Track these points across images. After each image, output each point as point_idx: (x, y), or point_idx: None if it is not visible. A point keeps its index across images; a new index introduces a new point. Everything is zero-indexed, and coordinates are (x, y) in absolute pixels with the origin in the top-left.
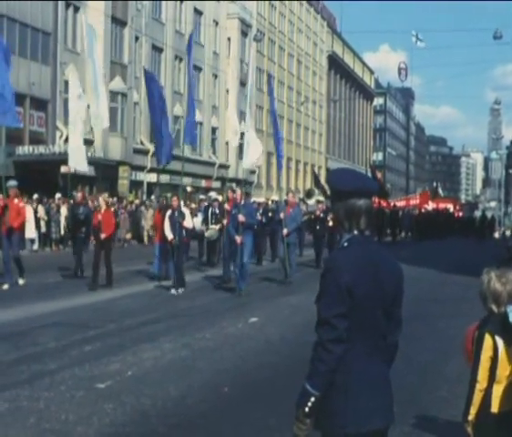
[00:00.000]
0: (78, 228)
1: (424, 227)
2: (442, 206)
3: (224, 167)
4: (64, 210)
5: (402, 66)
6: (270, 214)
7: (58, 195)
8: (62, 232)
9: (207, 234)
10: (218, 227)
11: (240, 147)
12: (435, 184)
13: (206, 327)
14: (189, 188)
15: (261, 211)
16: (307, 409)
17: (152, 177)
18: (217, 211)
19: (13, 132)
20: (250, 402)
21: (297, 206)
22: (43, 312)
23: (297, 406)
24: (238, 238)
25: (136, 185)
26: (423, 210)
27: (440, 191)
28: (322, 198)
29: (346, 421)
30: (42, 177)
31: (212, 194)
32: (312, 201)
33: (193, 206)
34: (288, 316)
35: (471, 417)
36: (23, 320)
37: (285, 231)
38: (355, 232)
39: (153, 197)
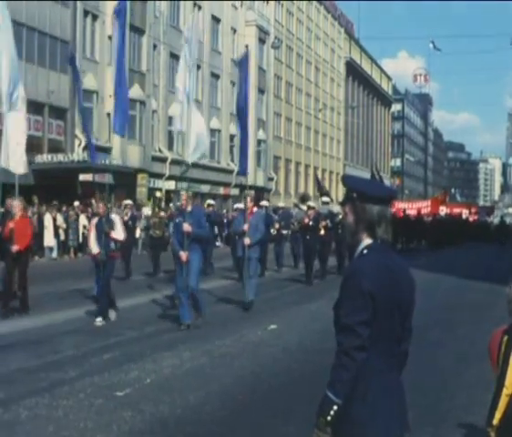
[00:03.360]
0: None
1: (439, 233)
2: (456, 211)
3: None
4: (82, 218)
5: (417, 72)
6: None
7: (77, 203)
8: (80, 240)
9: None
10: None
11: (259, 154)
12: (453, 190)
13: (226, 334)
14: (158, 194)
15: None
16: (329, 417)
17: (171, 185)
18: None
19: (32, 141)
20: (269, 410)
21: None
22: (62, 320)
23: (318, 415)
24: (182, 255)
25: (154, 192)
26: (436, 217)
27: (458, 197)
28: (313, 204)
29: (365, 429)
30: (61, 185)
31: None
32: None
33: (162, 214)
34: (307, 323)
35: (496, 422)
36: (42, 327)
37: (247, 240)
38: (371, 241)
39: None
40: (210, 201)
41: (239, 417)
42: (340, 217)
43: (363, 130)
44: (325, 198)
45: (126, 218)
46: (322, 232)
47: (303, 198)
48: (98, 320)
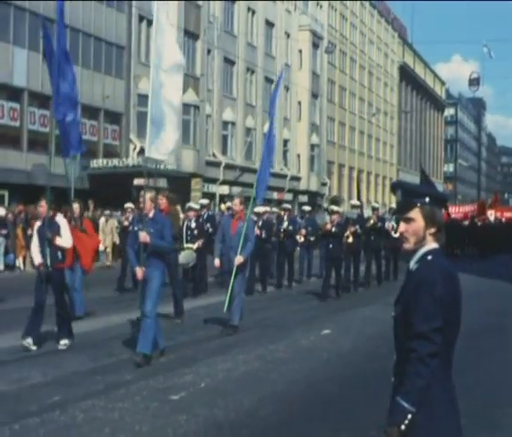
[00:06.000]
0: None
1: (490, 239)
2: (507, 215)
3: (296, 178)
4: None
5: (473, 76)
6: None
7: (129, 204)
8: None
9: (180, 259)
10: (195, 246)
11: (312, 159)
12: (506, 195)
13: (279, 339)
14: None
15: (260, 224)
16: (403, 426)
17: (224, 190)
18: (193, 225)
19: (88, 145)
20: (322, 415)
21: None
22: (117, 323)
23: (391, 424)
24: (138, 271)
25: (208, 197)
26: (486, 222)
27: (511, 202)
28: (337, 208)
29: (428, 433)
30: (116, 189)
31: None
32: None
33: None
34: (361, 327)
35: None
36: (97, 331)
37: (239, 259)
38: (437, 245)
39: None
40: (204, 201)
41: (292, 422)
42: (371, 222)
43: (417, 135)
44: (354, 202)
45: (126, 222)
46: (350, 240)
47: (334, 202)
48: (62, 344)
